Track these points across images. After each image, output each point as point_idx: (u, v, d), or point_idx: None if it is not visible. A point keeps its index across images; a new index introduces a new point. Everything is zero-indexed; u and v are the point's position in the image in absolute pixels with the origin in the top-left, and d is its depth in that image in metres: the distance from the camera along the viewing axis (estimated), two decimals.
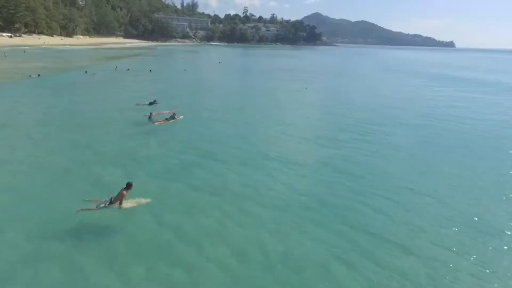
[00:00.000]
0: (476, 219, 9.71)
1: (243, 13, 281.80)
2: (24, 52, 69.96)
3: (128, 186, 9.15)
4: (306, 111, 24.79)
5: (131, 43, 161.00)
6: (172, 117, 19.29)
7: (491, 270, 7.52)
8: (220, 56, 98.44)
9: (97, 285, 6.68)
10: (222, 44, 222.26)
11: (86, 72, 40.09)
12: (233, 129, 18.89)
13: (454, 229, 9.16)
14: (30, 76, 35.48)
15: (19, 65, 46.91)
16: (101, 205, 8.84)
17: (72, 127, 17.54)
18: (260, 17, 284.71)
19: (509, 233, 9.06)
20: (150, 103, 23.01)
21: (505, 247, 8.45)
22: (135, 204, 9.15)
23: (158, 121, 18.75)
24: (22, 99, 24.47)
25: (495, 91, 38.83)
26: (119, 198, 8.94)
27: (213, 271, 7.22)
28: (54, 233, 8.19)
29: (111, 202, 8.91)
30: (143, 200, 9.35)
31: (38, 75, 35.94)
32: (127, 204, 8.98)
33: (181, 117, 19.79)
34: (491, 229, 9.22)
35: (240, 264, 7.54)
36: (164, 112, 20.52)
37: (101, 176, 11.53)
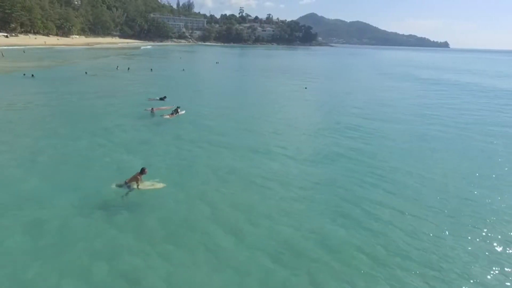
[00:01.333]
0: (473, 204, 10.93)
1: (239, 13, 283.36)
2: (24, 52, 70.47)
3: (142, 171, 10.28)
4: (306, 108, 26.09)
5: (122, 43, 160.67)
6: (176, 111, 20.45)
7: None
8: (217, 56, 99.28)
9: (122, 248, 7.84)
10: (218, 44, 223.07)
11: (86, 73, 40.76)
12: (235, 122, 20.25)
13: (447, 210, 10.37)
14: (24, 74, 35.44)
15: (19, 64, 47.52)
16: (121, 184, 10.04)
17: (87, 120, 18.96)
18: (256, 17, 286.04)
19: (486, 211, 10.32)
20: (161, 99, 24.37)
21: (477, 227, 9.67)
22: (151, 187, 10.32)
23: (167, 115, 20.07)
24: (30, 96, 25.44)
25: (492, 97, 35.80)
26: (134, 180, 10.03)
27: (222, 239, 8.42)
28: (85, 208, 9.35)
29: (125, 183, 10.03)
30: (159, 184, 10.56)
31: (32, 75, 35.19)
32: (144, 185, 10.14)
33: (183, 111, 20.97)
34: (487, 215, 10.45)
35: (248, 233, 8.73)
36: (163, 107, 21.95)
37: (120, 162, 12.86)
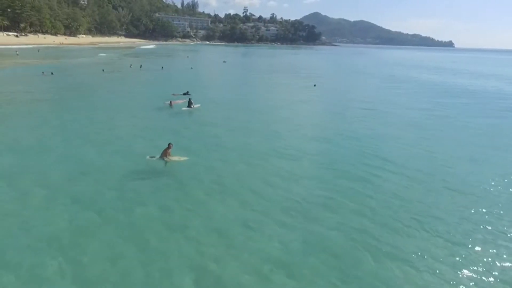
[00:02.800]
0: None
1: (243, 12, 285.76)
2: (38, 51, 73.09)
3: (169, 146, 12.41)
4: (317, 102, 27.91)
5: (125, 42, 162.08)
6: (190, 102, 22.53)
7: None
8: (223, 55, 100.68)
9: (154, 204, 9.76)
10: (222, 43, 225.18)
11: (103, 70, 43.33)
12: (247, 113, 22.44)
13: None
14: (42, 73, 36.80)
15: (41, 60, 49.79)
16: (157, 157, 12.26)
17: (117, 111, 21.54)
18: (260, 17, 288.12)
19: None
20: (184, 94, 26.32)
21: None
22: (177, 159, 12.42)
23: (185, 108, 22.25)
24: (58, 91, 27.78)
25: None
26: (164, 154, 12.08)
27: (234, 197, 10.25)
28: (128, 173, 11.36)
29: (160, 156, 12.14)
30: (183, 157, 12.66)
31: (52, 73, 36.85)
32: (172, 158, 12.20)
33: (198, 105, 23.18)
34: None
35: (256, 201, 10.53)
36: (179, 101, 24.06)
37: (151, 140, 15.34)
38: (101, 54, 75.23)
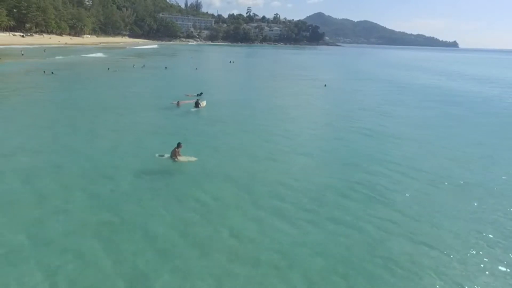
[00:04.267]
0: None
1: (246, 13, 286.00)
2: (44, 51, 73.67)
3: (178, 145, 12.33)
4: (328, 103, 27.81)
5: (125, 42, 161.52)
6: (197, 103, 22.55)
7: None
8: (228, 55, 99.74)
9: (161, 202, 9.68)
10: (225, 44, 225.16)
11: (108, 69, 44.02)
12: (255, 112, 22.48)
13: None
14: (44, 72, 36.93)
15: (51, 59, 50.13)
16: (166, 155, 12.27)
17: (125, 110, 21.56)
18: (264, 17, 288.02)
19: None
20: (198, 95, 26.32)
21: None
22: (186, 160, 12.37)
23: (193, 108, 22.23)
24: (69, 89, 28.09)
25: None
26: (174, 154, 12.06)
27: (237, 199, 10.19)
28: (138, 170, 11.36)
29: (170, 156, 12.14)
30: (192, 158, 12.59)
31: (52, 72, 36.96)
32: (181, 158, 12.18)
33: (204, 102, 23.39)
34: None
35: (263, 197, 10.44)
36: (187, 101, 24.05)
37: (159, 139, 15.36)
38: (84, 55, 74.56)
